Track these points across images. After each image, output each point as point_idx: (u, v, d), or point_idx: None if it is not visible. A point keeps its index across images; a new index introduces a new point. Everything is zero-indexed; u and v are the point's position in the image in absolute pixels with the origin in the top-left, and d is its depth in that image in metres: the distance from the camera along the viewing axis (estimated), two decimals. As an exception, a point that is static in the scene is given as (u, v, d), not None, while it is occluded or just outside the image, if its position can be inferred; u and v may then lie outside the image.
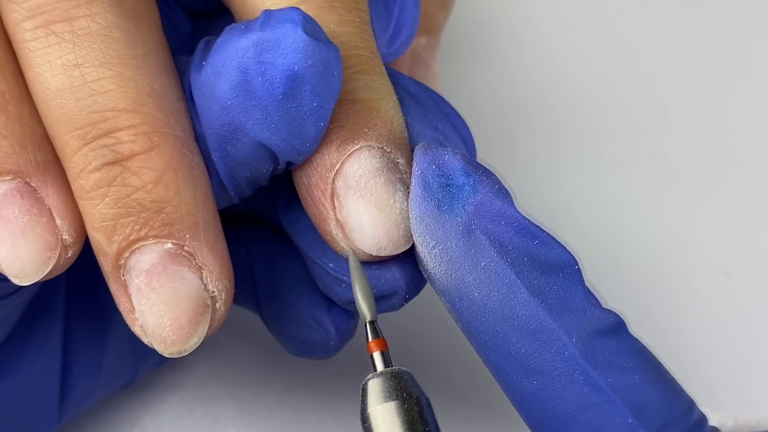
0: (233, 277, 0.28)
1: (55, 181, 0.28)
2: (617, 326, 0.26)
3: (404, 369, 0.27)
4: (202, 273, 0.27)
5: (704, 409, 0.27)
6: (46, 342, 0.34)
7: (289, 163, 0.29)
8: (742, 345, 0.44)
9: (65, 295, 0.35)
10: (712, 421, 0.27)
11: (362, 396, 0.27)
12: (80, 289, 0.35)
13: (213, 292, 0.27)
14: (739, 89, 0.54)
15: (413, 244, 0.28)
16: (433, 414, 0.27)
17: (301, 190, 0.29)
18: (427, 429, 0.26)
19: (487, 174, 0.28)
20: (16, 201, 0.27)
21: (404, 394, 0.26)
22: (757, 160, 0.51)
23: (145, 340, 0.28)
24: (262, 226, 0.35)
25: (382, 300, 0.29)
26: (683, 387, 0.27)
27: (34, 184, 0.27)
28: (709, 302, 0.45)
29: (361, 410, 0.27)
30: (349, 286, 0.29)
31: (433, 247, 0.27)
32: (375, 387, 0.26)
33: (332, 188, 0.28)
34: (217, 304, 0.28)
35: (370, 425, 0.26)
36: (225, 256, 0.28)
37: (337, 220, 0.28)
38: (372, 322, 0.27)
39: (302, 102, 0.27)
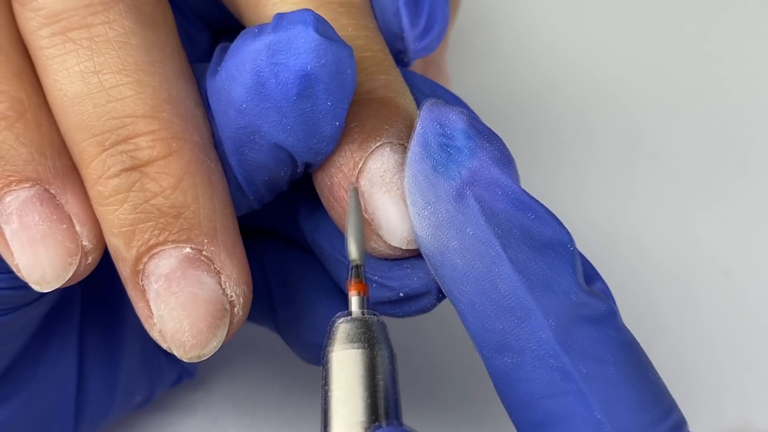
0: (251, 282, 0.28)
1: (74, 187, 0.28)
2: (605, 315, 0.26)
3: (377, 317, 0.26)
4: (220, 278, 0.27)
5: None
6: (62, 358, 0.34)
7: (307, 166, 0.29)
8: (743, 345, 0.44)
9: (80, 312, 0.34)
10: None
11: (329, 335, 0.26)
12: (95, 307, 0.35)
13: (231, 296, 0.27)
14: (740, 89, 0.54)
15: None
16: (395, 369, 0.26)
17: (323, 191, 0.29)
18: (386, 382, 0.25)
19: (491, 139, 0.27)
20: (36, 208, 0.27)
21: (370, 343, 0.26)
22: (758, 159, 0.51)
23: (164, 345, 0.28)
24: (277, 239, 0.35)
25: (414, 300, 0.29)
26: (668, 388, 0.26)
27: (53, 191, 0.27)
28: (709, 302, 0.45)
29: (324, 349, 0.26)
30: (379, 286, 0.29)
31: (422, 208, 0.27)
32: (343, 329, 0.26)
33: (356, 186, 0.28)
34: (236, 309, 0.28)
35: (329, 367, 0.26)
36: (243, 261, 0.28)
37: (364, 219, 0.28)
38: (357, 266, 0.27)
39: (317, 102, 0.27)
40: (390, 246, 0.28)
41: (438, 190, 0.27)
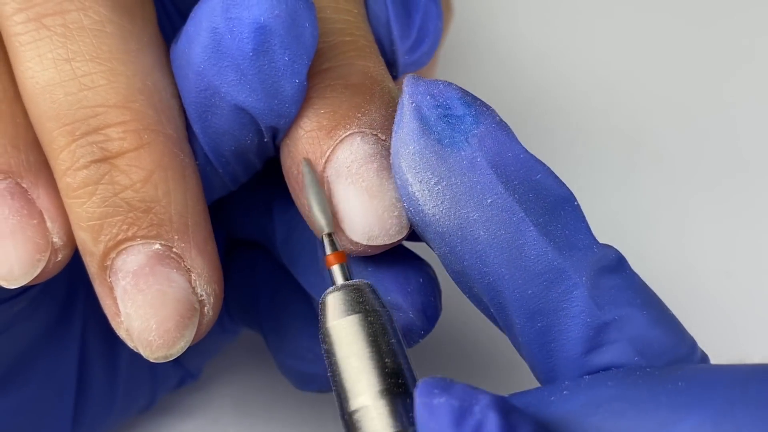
0: (223, 281, 0.28)
1: (47, 182, 0.27)
2: (620, 261, 0.25)
3: (365, 281, 0.26)
4: (190, 276, 0.26)
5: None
6: (62, 359, 0.33)
7: (274, 135, 0.28)
8: (745, 346, 0.43)
9: (83, 314, 0.34)
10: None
11: (321, 311, 0.25)
12: (98, 309, 0.34)
13: (201, 295, 0.27)
14: (741, 89, 0.53)
15: (404, 235, 0.27)
16: (395, 327, 0.26)
17: (290, 180, 0.28)
18: (391, 341, 0.25)
19: (485, 105, 0.26)
20: (6, 202, 0.26)
21: (366, 307, 0.25)
22: (759, 159, 0.50)
23: (131, 345, 0.27)
24: (270, 256, 0.34)
25: None
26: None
27: (25, 185, 0.27)
28: (710, 303, 0.45)
29: (321, 326, 0.25)
30: None
31: (435, 184, 0.26)
32: (335, 301, 0.25)
33: (322, 176, 0.27)
34: (206, 309, 0.27)
35: (331, 340, 0.25)
36: (215, 260, 0.27)
37: None
38: (329, 235, 0.26)
39: (274, 57, 0.26)
40: (351, 241, 0.27)
41: (450, 162, 0.25)
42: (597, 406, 0.23)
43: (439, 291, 0.29)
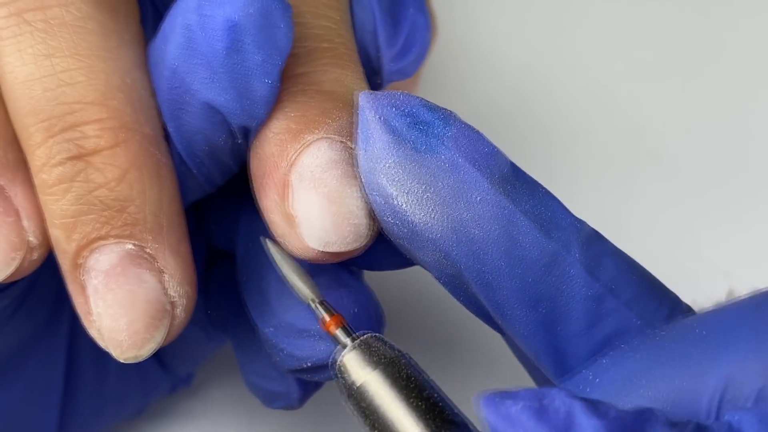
0: (196, 283, 0.28)
1: (25, 180, 0.27)
2: (595, 231, 0.26)
3: (370, 334, 0.26)
4: (162, 277, 0.26)
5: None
6: (49, 362, 0.33)
7: (246, 135, 0.27)
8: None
9: (71, 317, 0.33)
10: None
11: (341, 375, 0.25)
12: None
13: (173, 297, 0.27)
14: (740, 90, 0.53)
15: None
16: (416, 366, 0.25)
17: (255, 181, 0.28)
18: (423, 381, 0.25)
19: (445, 108, 0.26)
20: None
21: (384, 357, 0.25)
22: (758, 160, 0.50)
23: (102, 344, 0.27)
24: None
25: (324, 369, 0.29)
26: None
27: (2, 182, 0.27)
28: (709, 303, 0.44)
29: (347, 389, 0.25)
30: (287, 355, 0.28)
31: (422, 192, 0.25)
32: (353, 361, 0.25)
33: (286, 180, 0.27)
34: (177, 310, 0.27)
35: (367, 398, 0.25)
36: (188, 261, 0.27)
37: (287, 215, 0.27)
38: (321, 302, 0.26)
39: (246, 56, 0.26)
40: (306, 246, 0.27)
41: (431, 168, 0.25)
42: (636, 378, 0.24)
43: (380, 322, 0.29)
